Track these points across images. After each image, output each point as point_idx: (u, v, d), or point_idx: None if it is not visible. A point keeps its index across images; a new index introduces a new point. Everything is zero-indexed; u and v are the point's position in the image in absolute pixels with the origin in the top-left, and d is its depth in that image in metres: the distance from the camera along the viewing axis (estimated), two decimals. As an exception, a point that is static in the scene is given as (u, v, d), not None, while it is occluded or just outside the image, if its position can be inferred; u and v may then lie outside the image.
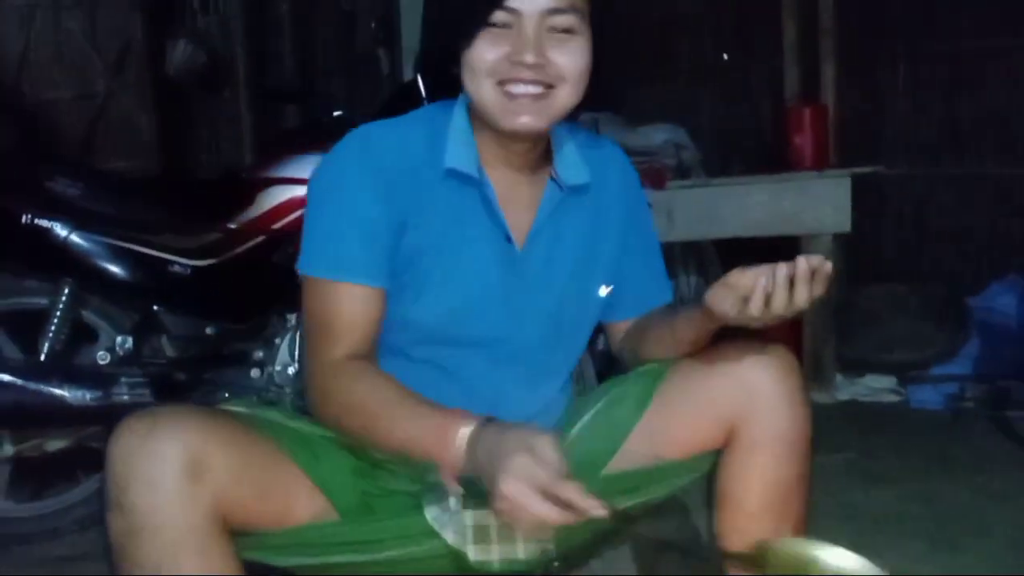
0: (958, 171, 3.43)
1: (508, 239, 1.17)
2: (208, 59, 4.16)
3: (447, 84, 1.17)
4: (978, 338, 3.00)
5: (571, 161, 1.22)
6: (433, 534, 1.07)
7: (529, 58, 1.07)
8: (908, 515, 2.03)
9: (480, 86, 1.10)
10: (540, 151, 1.20)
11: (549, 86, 1.10)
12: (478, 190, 1.16)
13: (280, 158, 2.21)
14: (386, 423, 1.04)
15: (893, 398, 2.96)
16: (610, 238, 1.26)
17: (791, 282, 1.00)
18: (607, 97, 1.20)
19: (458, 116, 1.17)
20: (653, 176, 3.00)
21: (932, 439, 2.57)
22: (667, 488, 1.21)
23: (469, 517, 1.05)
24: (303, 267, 1.13)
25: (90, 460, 2.13)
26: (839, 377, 3.04)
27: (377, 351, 1.14)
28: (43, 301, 2.06)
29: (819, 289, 1.01)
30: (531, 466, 0.89)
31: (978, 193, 3.43)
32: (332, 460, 1.12)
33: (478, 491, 1.06)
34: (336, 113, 2.55)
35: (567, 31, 1.09)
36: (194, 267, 2.07)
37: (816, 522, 1.24)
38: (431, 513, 1.07)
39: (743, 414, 1.12)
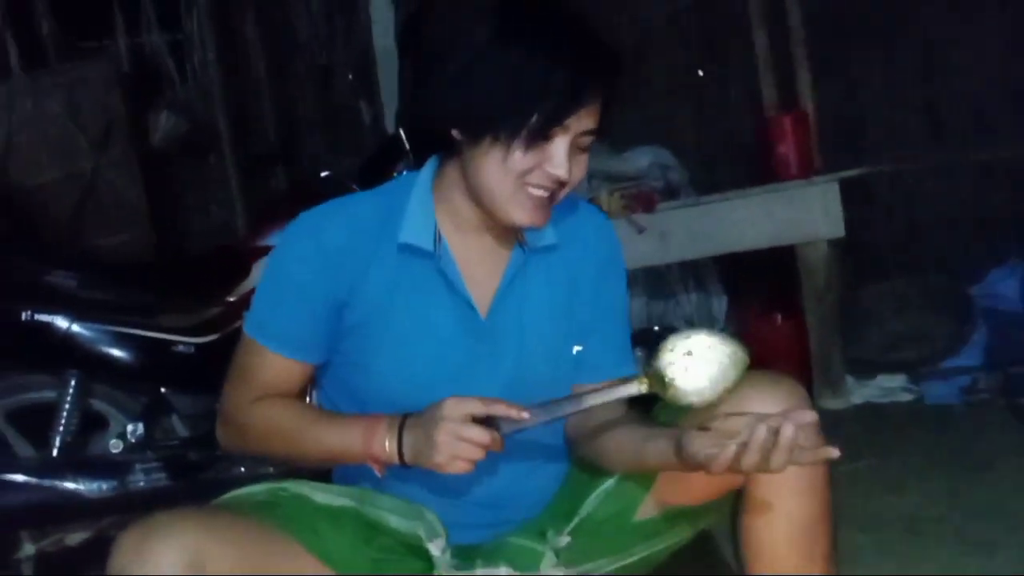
0: (943, 160, 3.44)
1: (470, 307, 1.17)
2: (191, 126, 4.20)
3: (433, 140, 1.18)
4: (985, 327, 2.99)
5: None
6: None
7: (564, 176, 1.09)
8: (935, 518, 2.01)
9: (502, 182, 1.10)
10: None
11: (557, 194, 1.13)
12: (434, 263, 1.16)
13: (271, 226, 2.22)
14: (310, 439, 1.13)
15: (907, 397, 2.94)
16: (583, 298, 1.25)
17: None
18: None
19: (420, 189, 1.18)
20: (643, 200, 3.02)
21: (950, 435, 2.56)
22: (692, 530, 1.21)
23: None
24: (246, 323, 1.20)
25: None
26: (850, 380, 3.02)
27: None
28: (51, 395, 2.07)
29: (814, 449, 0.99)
30: (454, 406, 1.01)
31: (965, 180, 3.44)
32: (334, 532, 1.12)
33: (468, 553, 1.10)
34: (323, 174, 2.57)
35: (585, 149, 1.13)
36: (198, 344, 2.08)
37: (842, 533, 1.24)
38: (436, 570, 1.09)
39: None
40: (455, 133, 1.11)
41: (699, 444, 0.99)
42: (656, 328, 3.18)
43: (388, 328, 1.15)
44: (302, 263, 1.15)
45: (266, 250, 2.16)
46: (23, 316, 1.97)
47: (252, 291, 2.09)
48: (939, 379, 2.90)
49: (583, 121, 1.08)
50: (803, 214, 2.93)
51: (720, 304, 3.39)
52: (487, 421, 1.03)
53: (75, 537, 2.05)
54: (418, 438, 1.04)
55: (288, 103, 4.39)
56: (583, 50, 1.08)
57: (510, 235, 1.20)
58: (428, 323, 1.16)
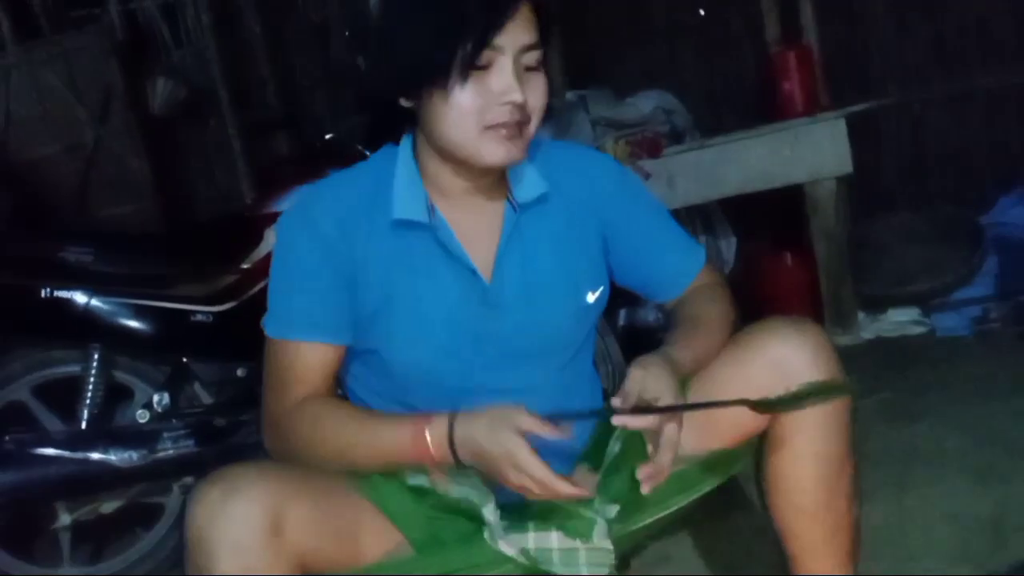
0: (949, 90, 3.41)
1: (474, 273, 1.16)
2: (188, 92, 4.16)
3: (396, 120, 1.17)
4: (995, 256, 2.99)
5: (525, 176, 1.19)
6: (500, 560, 1.09)
7: (518, 98, 1.06)
8: (950, 449, 2.04)
9: (461, 128, 1.08)
10: (498, 175, 1.18)
11: (524, 123, 1.10)
12: (431, 234, 1.15)
13: (281, 191, 2.22)
14: (361, 448, 1.09)
15: (919, 329, 2.96)
16: (590, 240, 1.24)
17: None
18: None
19: (403, 162, 1.17)
20: (648, 146, 3.01)
21: (963, 366, 2.57)
22: (721, 477, 1.21)
23: (531, 540, 1.09)
24: (265, 326, 1.19)
25: (146, 516, 2.18)
26: (861, 316, 3.04)
27: (333, 394, 1.18)
28: (75, 368, 2.09)
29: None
30: (521, 460, 0.99)
31: (972, 109, 3.41)
32: (390, 489, 1.14)
33: (519, 514, 1.11)
34: (327, 136, 2.56)
35: (536, 67, 1.09)
36: (215, 313, 2.10)
37: (859, 466, 1.23)
38: (487, 533, 1.10)
39: None
40: (402, 101, 1.11)
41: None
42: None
43: (397, 306, 1.15)
44: (304, 250, 1.14)
45: (276, 216, 2.17)
46: (43, 293, 1.99)
47: (266, 257, 2.14)
48: (950, 310, 2.91)
49: (518, 36, 1.05)
50: (810, 152, 2.92)
51: (729, 246, 3.39)
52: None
53: (109, 505, 2.10)
54: (477, 450, 1.02)
55: (286, 64, 4.35)
56: None
57: (500, 194, 1.19)
58: (436, 296, 1.15)
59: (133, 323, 2.05)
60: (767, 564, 1.41)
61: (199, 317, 2.09)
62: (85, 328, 2.04)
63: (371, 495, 1.12)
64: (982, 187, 3.30)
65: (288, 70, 4.31)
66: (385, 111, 1.16)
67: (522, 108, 1.07)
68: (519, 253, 1.18)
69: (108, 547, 2.22)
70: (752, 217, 3.42)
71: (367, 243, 1.14)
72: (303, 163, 2.46)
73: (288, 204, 1.21)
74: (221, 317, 2.11)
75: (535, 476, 1.00)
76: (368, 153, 2.29)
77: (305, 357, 1.14)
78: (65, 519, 2.07)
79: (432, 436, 1.04)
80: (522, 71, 1.07)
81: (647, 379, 1.06)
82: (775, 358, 1.13)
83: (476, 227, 1.17)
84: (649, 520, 1.18)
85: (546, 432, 1.01)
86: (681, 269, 1.28)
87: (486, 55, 1.05)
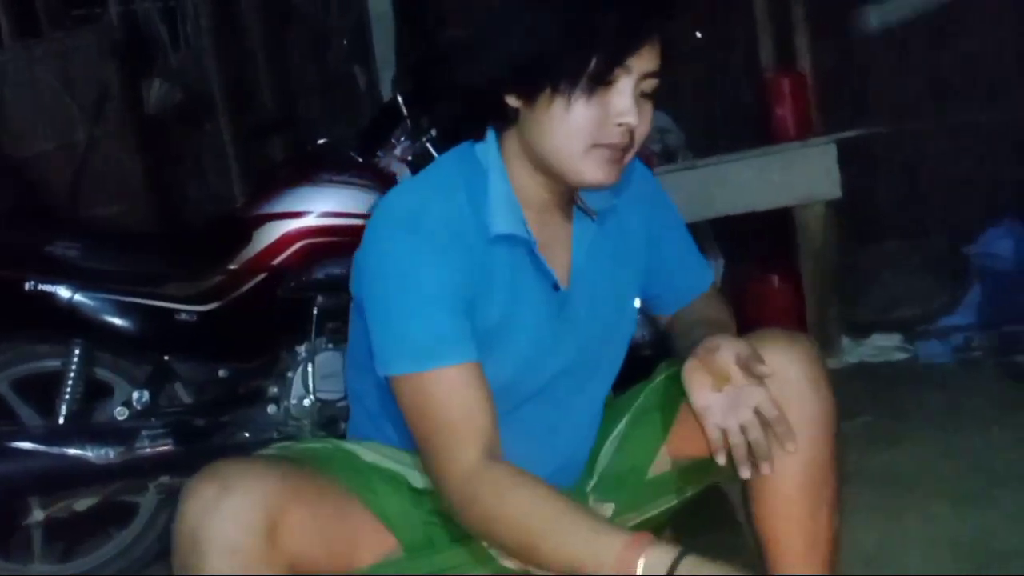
0: (944, 122, 3.44)
1: (556, 286, 1.16)
2: (185, 94, 4.17)
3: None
4: (979, 286, 3.01)
5: None
6: (487, 559, 1.09)
7: (633, 121, 1.04)
8: (929, 474, 2.04)
9: (570, 140, 1.04)
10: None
11: (627, 148, 1.07)
12: (526, 247, 1.13)
13: (272, 194, 2.22)
14: (551, 543, 0.97)
15: (902, 356, 2.97)
16: (637, 249, 1.24)
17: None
18: None
19: (496, 172, 1.12)
20: (640, 164, 3.02)
21: (944, 393, 2.58)
22: (708, 481, 1.22)
23: None
24: (389, 369, 1.05)
25: (120, 515, 2.16)
26: (845, 340, 3.05)
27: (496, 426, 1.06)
28: (56, 363, 2.08)
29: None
30: None
31: (966, 141, 3.44)
32: (388, 491, 1.13)
33: None
34: (320, 141, 2.57)
35: (650, 95, 1.07)
36: (200, 312, 2.09)
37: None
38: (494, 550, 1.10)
39: None
40: (510, 100, 1.07)
41: (705, 393, 1.08)
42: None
43: (501, 321, 1.11)
44: (418, 256, 1.05)
45: (266, 218, 2.18)
46: (27, 286, 1.98)
47: (254, 258, 2.15)
48: (933, 338, 2.93)
49: (644, 61, 1.03)
50: (800, 176, 2.94)
51: (717, 266, 3.40)
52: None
53: (83, 503, 2.08)
54: None
55: (283, 70, 4.37)
56: None
57: (571, 205, 1.18)
58: (526, 309, 1.13)
59: (116, 320, 2.04)
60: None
61: (183, 316, 2.08)
62: (68, 323, 2.03)
63: (367, 498, 1.11)
64: (974, 218, 3.32)
65: (283, 75, 4.32)
66: (479, 106, 1.11)
67: (631, 133, 1.05)
68: (590, 262, 1.19)
69: (80, 545, 2.19)
70: (741, 239, 3.44)
71: (472, 257, 1.08)
72: (295, 167, 2.46)
73: (377, 220, 1.10)
74: (205, 317, 2.10)
75: None
76: (360, 160, 2.31)
77: (455, 387, 1.03)
78: (38, 515, 2.05)
79: (647, 567, 0.91)
80: (639, 96, 1.05)
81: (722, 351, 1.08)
82: (771, 367, 1.11)
83: (554, 238, 1.16)
84: (640, 520, 1.20)
85: None
86: (696, 284, 1.32)
87: (616, 71, 1.02)
